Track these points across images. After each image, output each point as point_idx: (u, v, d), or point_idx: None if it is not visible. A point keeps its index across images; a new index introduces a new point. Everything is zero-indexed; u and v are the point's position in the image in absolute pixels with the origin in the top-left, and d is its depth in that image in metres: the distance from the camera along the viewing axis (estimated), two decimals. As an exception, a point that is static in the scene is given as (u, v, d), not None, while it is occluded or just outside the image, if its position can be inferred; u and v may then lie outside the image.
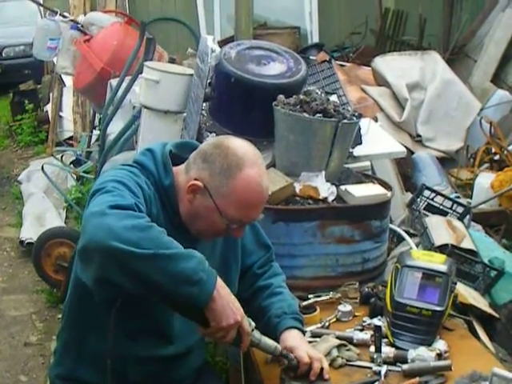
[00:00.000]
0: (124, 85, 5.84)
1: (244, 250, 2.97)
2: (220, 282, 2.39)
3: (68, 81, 9.83)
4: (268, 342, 2.64)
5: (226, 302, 2.39)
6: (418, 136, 7.22)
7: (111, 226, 2.24)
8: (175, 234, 2.42)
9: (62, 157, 7.56)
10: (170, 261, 2.28)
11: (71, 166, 7.85)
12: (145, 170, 2.61)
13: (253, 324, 2.57)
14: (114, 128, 5.94)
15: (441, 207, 4.94)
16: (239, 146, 2.60)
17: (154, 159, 2.64)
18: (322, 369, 2.69)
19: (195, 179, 2.56)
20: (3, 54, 15.01)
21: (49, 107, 10.80)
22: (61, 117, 10.32)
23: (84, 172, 7.24)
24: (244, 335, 2.49)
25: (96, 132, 8.18)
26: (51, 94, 10.64)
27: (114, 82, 6.38)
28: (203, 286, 2.32)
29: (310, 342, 3.08)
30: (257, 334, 2.60)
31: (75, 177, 7.63)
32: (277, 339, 2.73)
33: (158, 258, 2.26)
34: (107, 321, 2.53)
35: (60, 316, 5.78)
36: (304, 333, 2.91)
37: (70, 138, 9.84)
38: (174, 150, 2.73)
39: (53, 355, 2.96)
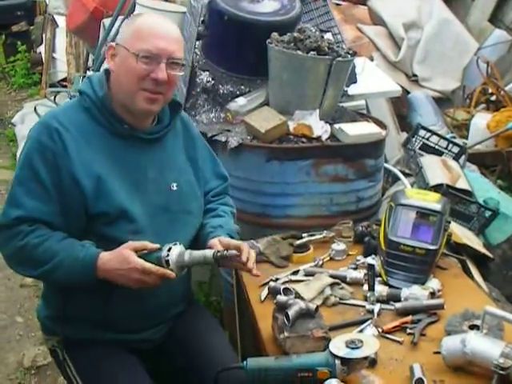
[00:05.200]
0: (117, 24, 5.77)
1: (203, 176, 3.05)
2: (100, 263, 2.58)
3: (61, 21, 9.70)
4: (195, 255, 2.66)
5: (115, 275, 2.58)
6: (414, 76, 7.16)
7: (6, 255, 2.68)
8: (128, 146, 2.72)
9: (55, 98, 7.48)
10: (51, 274, 2.61)
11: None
12: (82, 95, 2.75)
13: (166, 253, 2.62)
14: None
15: (436, 147, 4.93)
16: None
17: (91, 82, 2.77)
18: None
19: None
20: (-6, -5, 14.84)
21: (42, 48, 10.69)
22: (54, 58, 10.21)
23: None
24: (157, 274, 2.58)
25: (89, 73, 8.10)
26: (44, 35, 10.51)
27: (106, 21, 6.29)
28: (83, 276, 2.59)
29: (303, 281, 3.09)
30: (178, 257, 2.62)
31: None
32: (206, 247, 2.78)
33: (43, 276, 2.69)
34: None
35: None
36: None
37: (64, 80, 9.73)
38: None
39: (40, 298, 3.01)
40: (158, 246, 2.61)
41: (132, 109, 2.70)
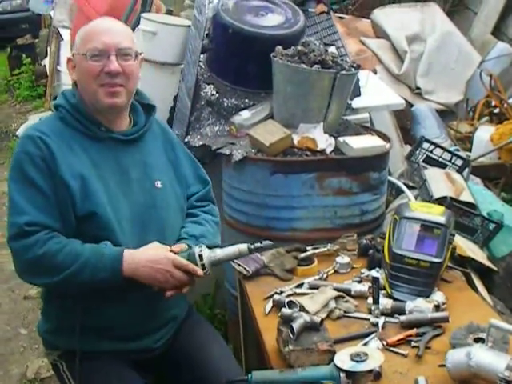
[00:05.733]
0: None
1: (185, 180, 3.11)
2: (127, 254, 2.65)
3: (66, 35, 9.70)
4: (229, 249, 2.75)
5: (142, 267, 2.64)
6: (418, 88, 7.18)
7: (22, 266, 2.66)
8: (107, 148, 2.79)
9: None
10: (76, 276, 2.60)
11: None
12: (58, 108, 2.83)
13: (199, 249, 2.71)
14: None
15: (440, 160, 4.94)
16: None
17: (63, 95, 2.87)
18: None
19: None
20: (0, 9, 14.87)
21: (46, 61, 10.71)
22: (58, 71, 10.20)
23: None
24: (187, 269, 2.67)
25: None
26: (49, 48, 10.52)
27: (111, 34, 6.31)
28: (111, 271, 2.62)
29: (307, 294, 3.09)
30: (210, 253, 2.72)
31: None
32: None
33: (67, 279, 2.61)
34: None
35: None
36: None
37: (68, 92, 9.76)
38: None
39: (40, 314, 3.04)
40: (185, 245, 2.75)
41: (99, 107, 2.78)
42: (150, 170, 2.89)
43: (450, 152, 5.01)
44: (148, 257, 2.66)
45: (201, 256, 2.69)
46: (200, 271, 2.68)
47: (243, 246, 2.76)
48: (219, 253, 2.74)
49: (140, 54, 2.84)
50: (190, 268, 2.66)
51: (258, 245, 2.77)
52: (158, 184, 2.89)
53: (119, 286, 2.66)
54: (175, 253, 2.73)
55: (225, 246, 2.79)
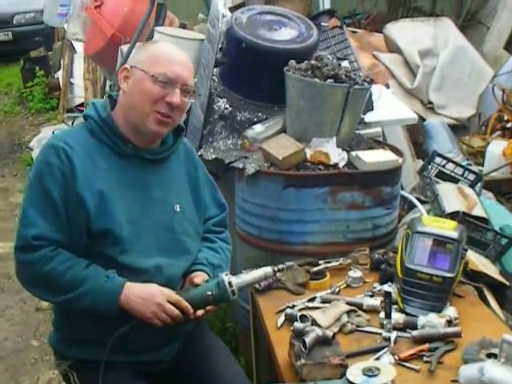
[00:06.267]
0: (135, 50, 5.81)
1: (204, 202, 3.11)
2: (126, 288, 2.68)
3: (79, 47, 9.77)
4: (254, 274, 2.82)
5: (136, 298, 2.68)
6: (430, 103, 7.16)
7: (24, 277, 2.73)
8: (132, 166, 2.80)
9: (73, 123, 7.55)
10: (75, 302, 2.66)
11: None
12: (87, 118, 2.82)
13: (227, 277, 2.77)
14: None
15: (452, 174, 4.92)
16: None
17: (94, 106, 2.85)
18: None
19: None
20: (14, 21, 14.90)
21: (60, 74, 10.78)
22: (72, 83, 10.29)
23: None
24: (179, 305, 2.72)
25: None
26: (62, 61, 10.60)
27: (124, 47, 6.33)
28: (108, 304, 2.67)
29: (319, 308, 3.09)
30: (237, 278, 2.78)
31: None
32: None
33: (66, 302, 2.68)
34: None
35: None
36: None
37: (81, 105, 9.81)
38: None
39: (51, 325, 3.05)
40: (205, 276, 2.87)
41: (142, 130, 2.77)
42: (171, 193, 2.90)
43: (462, 166, 5.00)
44: (145, 290, 2.69)
45: (230, 283, 2.73)
46: (190, 310, 2.72)
47: (268, 269, 2.83)
48: (246, 278, 2.79)
49: (194, 92, 2.87)
50: (183, 305, 2.70)
51: (281, 266, 2.84)
52: (177, 208, 2.90)
53: (115, 317, 2.70)
54: (197, 284, 2.79)
55: (249, 270, 2.85)
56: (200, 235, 3.06)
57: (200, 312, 2.76)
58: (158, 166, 2.89)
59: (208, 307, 2.77)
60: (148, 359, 2.88)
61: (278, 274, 3.34)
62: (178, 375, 2.97)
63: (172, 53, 2.81)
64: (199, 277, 2.85)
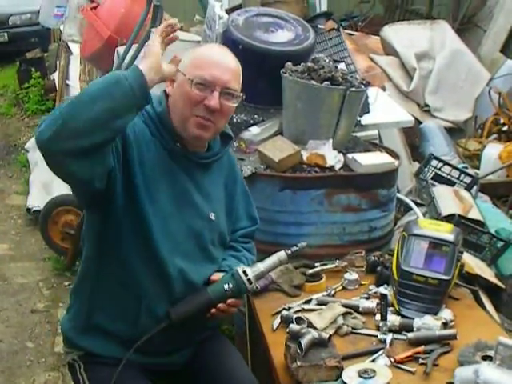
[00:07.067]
0: (131, 52, 5.81)
1: (236, 214, 3.10)
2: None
3: (75, 49, 9.74)
4: (268, 260, 2.82)
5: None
6: (426, 106, 7.17)
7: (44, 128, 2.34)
8: (177, 164, 2.76)
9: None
10: (93, 85, 2.41)
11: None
12: (142, 111, 2.74)
13: (241, 268, 2.76)
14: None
15: (448, 177, 4.94)
16: None
17: (151, 100, 2.71)
18: None
19: None
20: (9, 22, 14.85)
21: (56, 75, 10.73)
22: (68, 85, 10.24)
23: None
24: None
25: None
26: (58, 62, 10.56)
27: (121, 49, 6.33)
28: (129, 75, 2.43)
29: (315, 310, 3.10)
30: (252, 267, 2.78)
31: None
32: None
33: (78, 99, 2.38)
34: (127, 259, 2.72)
35: (66, 283, 5.82)
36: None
37: (77, 107, 9.77)
38: None
39: (66, 312, 3.00)
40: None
41: (184, 134, 2.75)
42: (209, 200, 2.88)
43: (458, 169, 5.01)
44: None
45: (245, 272, 2.72)
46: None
47: (282, 254, 2.80)
48: (260, 266, 2.78)
49: (242, 95, 2.81)
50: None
51: (294, 248, 2.82)
52: (212, 216, 2.88)
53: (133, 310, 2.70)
54: (215, 281, 2.78)
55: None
56: (226, 246, 3.05)
57: (221, 305, 2.74)
58: (201, 171, 2.86)
59: (229, 300, 2.75)
60: (160, 362, 2.88)
61: (274, 276, 3.36)
62: (189, 376, 2.97)
63: (214, 56, 2.76)
64: (216, 275, 2.83)
